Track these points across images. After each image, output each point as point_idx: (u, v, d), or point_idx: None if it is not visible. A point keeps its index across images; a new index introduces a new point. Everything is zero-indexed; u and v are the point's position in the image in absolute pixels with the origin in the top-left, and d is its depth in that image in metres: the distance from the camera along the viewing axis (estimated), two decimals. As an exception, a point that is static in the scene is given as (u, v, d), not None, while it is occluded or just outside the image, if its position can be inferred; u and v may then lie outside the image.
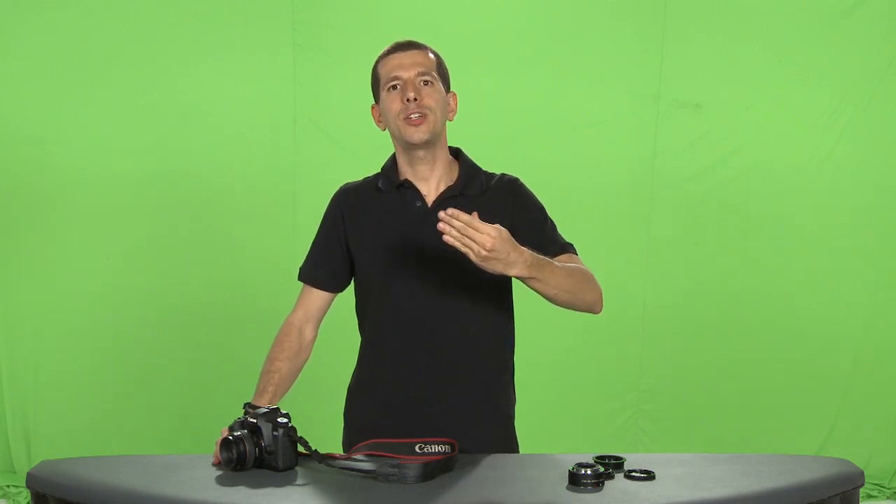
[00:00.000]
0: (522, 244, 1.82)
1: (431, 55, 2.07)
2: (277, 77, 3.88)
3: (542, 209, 2.13)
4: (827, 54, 3.98)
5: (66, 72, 3.84)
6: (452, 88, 2.12)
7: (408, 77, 2.01)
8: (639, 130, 3.99)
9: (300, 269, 2.18)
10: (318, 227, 2.19)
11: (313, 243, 2.19)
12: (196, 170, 3.90)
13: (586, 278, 2.02)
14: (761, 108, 4.01)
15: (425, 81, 2.02)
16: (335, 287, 2.16)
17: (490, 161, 2.19)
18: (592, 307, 2.06)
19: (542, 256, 1.87)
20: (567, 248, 2.09)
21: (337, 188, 2.18)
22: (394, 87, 2.03)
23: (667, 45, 3.94)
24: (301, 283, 2.17)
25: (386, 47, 2.09)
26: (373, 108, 2.12)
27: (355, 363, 2.19)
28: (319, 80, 3.90)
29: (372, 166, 2.18)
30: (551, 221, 2.13)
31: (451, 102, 2.10)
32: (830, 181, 4.03)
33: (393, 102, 2.02)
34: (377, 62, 2.09)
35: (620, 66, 3.98)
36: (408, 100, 1.99)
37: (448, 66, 2.11)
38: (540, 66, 3.96)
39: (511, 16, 3.97)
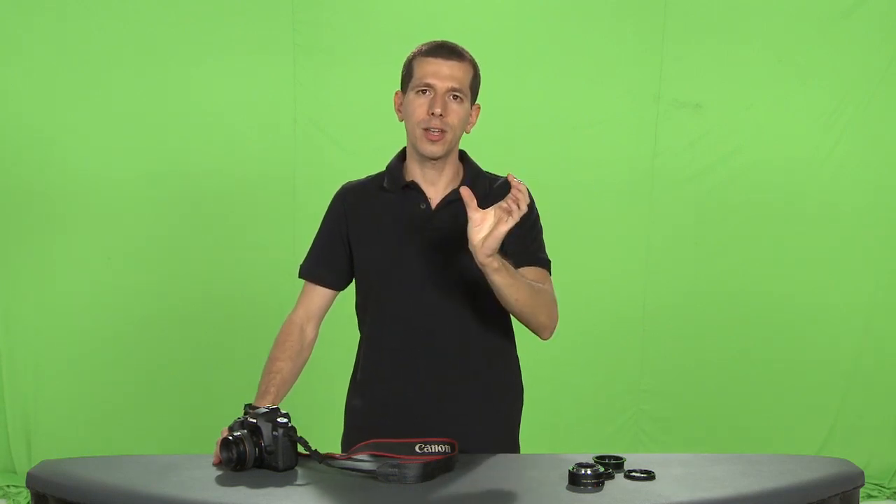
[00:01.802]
0: (505, 243, 1.84)
1: (470, 68, 2.04)
2: (277, 77, 3.88)
3: (535, 215, 2.11)
4: (827, 54, 3.98)
5: (66, 72, 3.84)
6: None
7: (440, 88, 1.99)
8: (639, 130, 3.99)
9: (301, 266, 2.17)
10: (319, 224, 2.18)
11: (315, 241, 2.18)
12: (196, 170, 3.90)
13: (547, 300, 2.02)
14: (761, 108, 4.01)
15: (455, 96, 2.00)
16: (337, 284, 2.15)
17: (490, 161, 2.19)
18: (541, 330, 2.04)
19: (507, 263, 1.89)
20: (540, 263, 2.09)
21: (338, 187, 2.18)
22: (423, 91, 2.01)
23: (667, 45, 3.94)
24: (302, 282, 2.17)
25: (430, 42, 2.05)
26: (396, 94, 2.10)
27: (354, 361, 2.18)
28: (319, 80, 3.89)
29: (372, 166, 2.18)
30: (540, 231, 2.12)
31: (473, 115, 2.08)
32: (830, 181, 4.03)
33: (418, 108, 2.00)
34: (415, 56, 2.05)
35: (620, 66, 3.98)
36: (433, 113, 1.98)
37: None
38: (540, 66, 3.96)
39: (511, 16, 3.97)
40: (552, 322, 2.04)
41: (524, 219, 1.99)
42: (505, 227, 1.77)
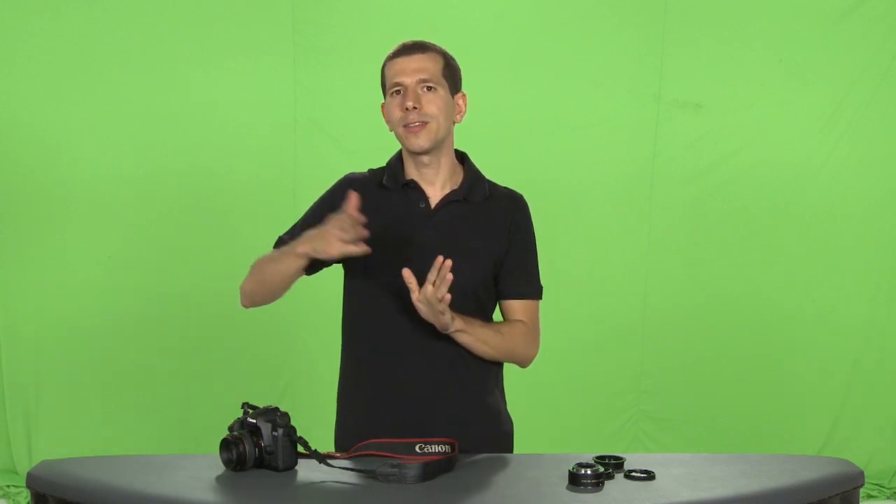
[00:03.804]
0: (500, 264, 2.02)
1: (438, 57, 2.06)
2: (278, 77, 3.88)
3: (532, 241, 2.15)
4: (827, 54, 3.98)
5: (67, 74, 3.84)
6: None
7: (409, 84, 2.01)
8: (639, 130, 3.99)
9: (280, 237, 2.11)
10: (313, 203, 2.14)
11: (306, 215, 2.12)
12: (197, 170, 3.90)
13: (517, 342, 2.09)
14: (761, 108, 4.00)
15: (427, 87, 2.02)
16: (312, 265, 2.04)
17: (490, 161, 2.19)
18: (519, 363, 2.15)
19: (469, 318, 1.98)
20: (527, 293, 2.13)
21: (342, 176, 2.16)
22: (396, 91, 2.03)
23: (667, 45, 3.94)
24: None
25: (394, 47, 2.07)
26: (382, 106, 2.11)
27: (343, 361, 2.18)
28: (319, 80, 3.90)
29: (372, 166, 2.18)
30: (535, 257, 2.15)
31: (460, 104, 2.09)
32: (831, 181, 4.03)
33: (395, 109, 2.03)
34: (384, 63, 2.08)
35: (620, 66, 3.98)
36: (407, 108, 1.99)
37: (450, 67, 2.10)
38: (540, 66, 3.96)
39: (511, 16, 3.97)
40: (528, 359, 2.14)
41: (522, 240, 2.10)
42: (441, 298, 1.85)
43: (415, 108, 1.99)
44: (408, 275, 1.85)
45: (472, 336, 1.99)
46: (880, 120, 4.02)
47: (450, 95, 2.06)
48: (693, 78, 3.98)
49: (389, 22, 3.84)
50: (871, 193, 4.06)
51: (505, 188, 2.17)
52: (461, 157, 2.15)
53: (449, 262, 1.83)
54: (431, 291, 1.83)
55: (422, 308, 1.87)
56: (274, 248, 2.13)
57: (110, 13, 3.83)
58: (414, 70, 2.01)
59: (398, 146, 2.15)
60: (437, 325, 1.92)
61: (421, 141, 2.01)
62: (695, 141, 4.01)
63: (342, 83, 3.87)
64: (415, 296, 1.86)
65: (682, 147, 4.01)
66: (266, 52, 3.88)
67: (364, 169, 2.20)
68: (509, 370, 2.20)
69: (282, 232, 2.17)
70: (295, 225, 2.15)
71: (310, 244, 1.88)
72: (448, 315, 1.90)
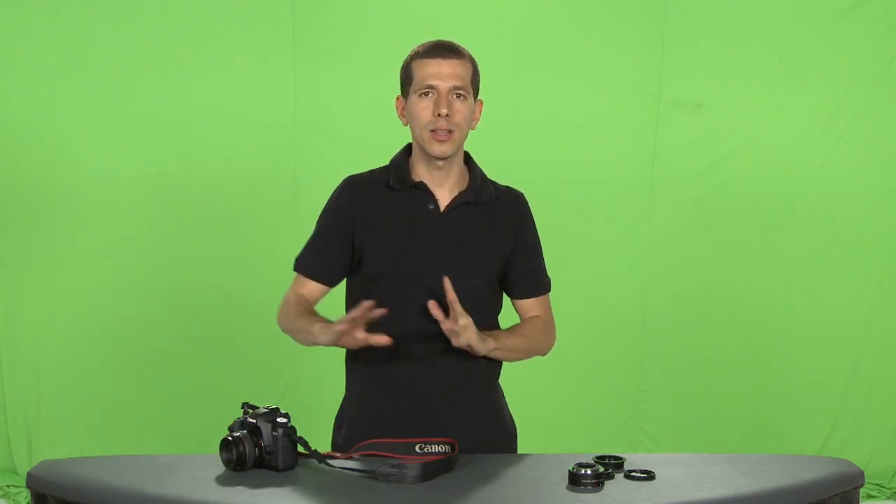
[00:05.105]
0: (509, 264, 2.08)
1: (469, 65, 2.05)
2: (278, 77, 3.87)
3: (537, 238, 2.19)
4: (827, 54, 3.98)
5: (67, 74, 3.84)
6: None
7: (443, 89, 1.99)
8: (639, 130, 3.99)
9: (297, 259, 2.14)
10: (319, 216, 2.15)
11: (315, 234, 2.14)
12: (197, 170, 3.89)
13: (539, 340, 2.17)
14: (761, 108, 4.00)
15: (458, 95, 2.01)
16: (332, 280, 2.13)
17: (491, 161, 2.19)
18: (541, 355, 2.23)
19: (496, 332, 2.04)
20: (540, 290, 2.19)
21: (342, 180, 2.15)
22: (426, 93, 2.01)
23: (667, 45, 3.94)
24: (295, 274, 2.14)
25: (425, 44, 2.05)
26: (397, 99, 2.10)
27: (346, 361, 2.17)
28: (319, 80, 3.89)
29: (372, 166, 2.18)
30: (541, 253, 2.20)
31: (477, 111, 2.09)
32: (831, 181, 4.03)
33: (423, 111, 2.00)
34: (413, 58, 2.05)
35: (620, 66, 3.98)
36: (439, 114, 1.98)
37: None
38: (540, 66, 3.96)
39: (511, 16, 3.97)
40: (549, 349, 2.22)
41: (529, 240, 2.14)
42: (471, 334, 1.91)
43: (447, 115, 1.98)
44: (434, 308, 1.87)
45: (503, 350, 2.03)
46: (880, 120, 4.02)
47: (473, 103, 2.06)
48: (693, 78, 3.98)
49: (389, 22, 3.84)
50: (871, 193, 4.06)
51: (505, 187, 2.17)
52: (466, 158, 2.14)
53: (459, 306, 1.88)
54: (462, 324, 1.89)
55: (455, 339, 1.91)
56: (295, 269, 2.15)
57: (110, 13, 3.83)
58: (448, 76, 2.00)
59: (398, 146, 2.15)
60: (472, 351, 1.95)
61: (445, 149, 2.01)
62: (695, 141, 4.00)
63: (342, 83, 3.87)
64: (445, 326, 1.89)
65: (682, 147, 4.01)
66: (266, 52, 3.87)
67: (364, 169, 2.19)
68: (509, 370, 2.21)
69: (281, 234, 2.19)
70: (310, 243, 2.14)
71: (330, 337, 1.90)
72: (486, 343, 1.95)
